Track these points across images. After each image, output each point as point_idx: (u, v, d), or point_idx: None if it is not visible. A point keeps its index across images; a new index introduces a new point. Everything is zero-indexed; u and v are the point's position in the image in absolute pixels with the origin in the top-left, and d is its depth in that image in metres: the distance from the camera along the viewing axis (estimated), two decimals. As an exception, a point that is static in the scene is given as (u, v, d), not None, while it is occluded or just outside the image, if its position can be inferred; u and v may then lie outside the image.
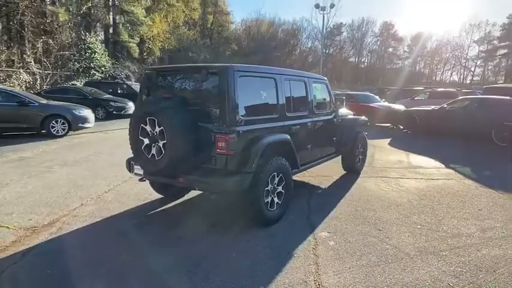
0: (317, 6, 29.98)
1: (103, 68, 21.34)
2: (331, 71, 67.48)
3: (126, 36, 24.89)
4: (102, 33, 25.37)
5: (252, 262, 3.10)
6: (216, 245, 3.40)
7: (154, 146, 3.59)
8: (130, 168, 4.08)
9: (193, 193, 4.76)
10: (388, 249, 3.35)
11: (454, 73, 69.91)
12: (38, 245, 3.38)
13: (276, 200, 3.90)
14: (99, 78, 20.55)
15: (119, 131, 11.17)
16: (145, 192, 4.86)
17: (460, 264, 3.07)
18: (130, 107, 15.17)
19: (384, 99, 16.79)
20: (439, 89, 18.75)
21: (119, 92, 17.34)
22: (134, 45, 25.90)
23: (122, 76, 23.00)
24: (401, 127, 12.77)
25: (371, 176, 6.12)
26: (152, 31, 27.19)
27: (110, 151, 7.93)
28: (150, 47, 28.52)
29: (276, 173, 3.83)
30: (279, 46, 55.82)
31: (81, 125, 10.03)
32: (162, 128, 3.45)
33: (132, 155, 3.92)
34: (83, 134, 10.36)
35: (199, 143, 3.48)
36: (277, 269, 2.98)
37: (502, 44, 61.95)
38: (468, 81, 64.30)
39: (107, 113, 14.46)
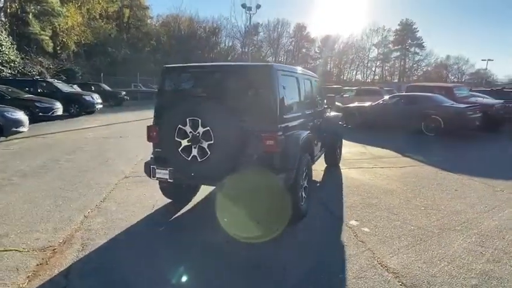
0: (244, 6, 30.50)
1: (12, 64, 18.52)
2: (251, 70, 69.12)
3: (38, 28, 21.92)
4: (7, 24, 21.87)
5: (313, 255, 3.22)
6: (268, 243, 3.42)
7: (195, 148, 3.43)
8: (151, 173, 3.80)
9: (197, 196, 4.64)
10: (414, 229, 3.78)
11: (358, 73, 77.71)
12: (74, 265, 2.98)
13: (303, 194, 4.05)
14: (8, 75, 17.79)
15: (59, 134, 9.98)
16: (147, 198, 4.59)
17: (476, 235, 3.64)
18: (59, 107, 13.57)
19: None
20: (364, 87, 20.84)
21: (39, 91, 15.30)
22: (47, 38, 22.97)
23: (34, 73, 20.28)
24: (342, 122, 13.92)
25: (349, 167, 6.65)
26: (67, 23, 24.47)
27: (66, 157, 7.09)
28: (64, 40, 25.62)
29: (305, 168, 3.98)
30: (200, 44, 55.17)
31: (15, 129, 8.70)
32: (207, 128, 3.33)
33: (152, 158, 3.68)
34: (18, 139, 8.98)
35: (242, 143, 3.44)
36: (339, 258, 3.15)
37: (396, 47, 71.19)
38: (369, 80, 72.36)
39: (31, 114, 12.66)
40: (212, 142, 3.34)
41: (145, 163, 3.94)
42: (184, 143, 3.46)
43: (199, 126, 3.37)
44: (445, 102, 11.23)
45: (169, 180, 3.74)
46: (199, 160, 3.42)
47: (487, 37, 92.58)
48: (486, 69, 60.40)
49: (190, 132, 3.42)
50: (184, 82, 3.87)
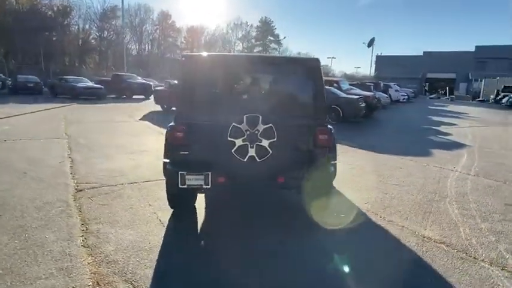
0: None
1: None
2: (111, 57, 63.30)
3: None
4: None
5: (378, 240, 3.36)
6: (325, 240, 3.36)
7: (253, 147, 3.05)
8: (179, 181, 3.20)
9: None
10: (410, 202, 4.34)
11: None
12: None
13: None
14: None
15: None
16: (145, 213, 3.87)
17: (488, 197, 4.43)
18: None
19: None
20: None
21: None
22: None
23: None
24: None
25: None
26: None
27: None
28: None
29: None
30: (46, 24, 46.84)
31: None
32: (269, 125, 3.01)
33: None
34: None
35: (300, 138, 3.26)
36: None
37: (257, 42, 76.45)
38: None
39: None
40: (275, 140, 3.03)
41: (168, 170, 3.28)
42: (239, 142, 3.04)
43: (259, 123, 3.01)
44: (341, 94, 12.87)
45: (204, 186, 3.21)
46: (257, 160, 3.06)
47: (331, 38, 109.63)
48: (327, 65, 71.61)
49: (247, 130, 3.02)
50: (220, 74, 3.35)
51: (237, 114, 3.00)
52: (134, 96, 23.38)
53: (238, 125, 3.01)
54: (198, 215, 3.87)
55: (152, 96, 17.53)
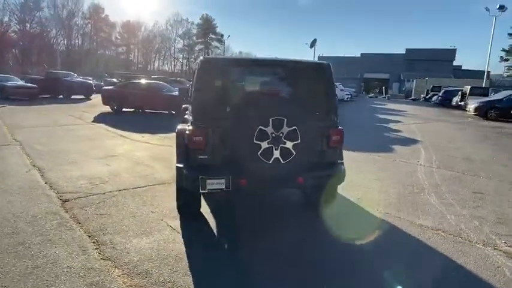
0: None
1: None
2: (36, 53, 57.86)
3: None
4: None
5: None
6: (344, 234, 3.57)
7: (277, 149, 3.13)
8: (200, 186, 3.17)
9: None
10: (393, 194, 4.77)
11: (165, 63, 77.85)
12: None
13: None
14: None
15: None
16: (149, 221, 3.73)
17: (456, 187, 4.96)
18: None
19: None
20: None
21: None
22: None
23: None
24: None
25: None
26: None
27: None
28: None
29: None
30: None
31: None
32: (293, 127, 3.11)
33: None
34: None
35: (318, 140, 3.42)
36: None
37: (199, 40, 75.41)
38: (177, 71, 74.04)
39: None
40: (298, 142, 3.14)
41: (185, 175, 3.22)
42: (264, 145, 3.09)
43: (284, 126, 3.09)
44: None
45: (225, 189, 3.21)
46: (282, 162, 3.15)
47: (274, 37, 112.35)
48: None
49: (272, 133, 3.09)
50: (238, 77, 3.36)
51: (262, 118, 3.05)
52: (73, 96, 21.67)
53: (264, 128, 3.06)
54: (207, 220, 3.82)
55: (94, 97, 16.40)
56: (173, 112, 13.78)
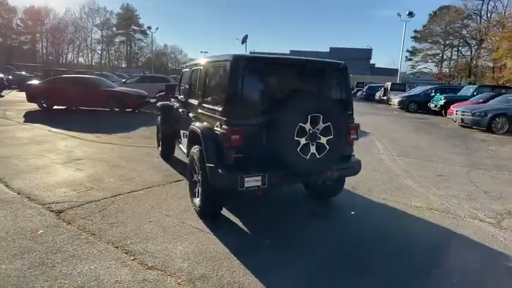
0: None
1: None
2: None
3: None
4: None
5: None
6: (361, 218, 3.87)
7: (313, 145, 3.27)
8: (238, 184, 3.17)
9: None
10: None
11: (81, 55, 71.20)
12: None
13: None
14: None
15: None
16: (177, 229, 3.60)
17: (422, 172, 5.60)
18: None
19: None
20: (149, 74, 20.43)
21: None
22: None
23: None
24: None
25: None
26: None
27: None
28: None
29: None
30: None
31: None
32: (328, 124, 3.28)
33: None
34: None
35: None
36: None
37: (120, 31, 70.43)
38: (94, 64, 68.37)
39: None
40: (331, 137, 3.32)
41: (222, 174, 3.18)
42: (303, 141, 3.21)
43: (320, 122, 3.24)
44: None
45: (262, 186, 3.26)
46: (317, 157, 3.30)
47: (204, 32, 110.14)
48: (194, 59, 72.18)
49: (310, 129, 3.21)
50: (271, 75, 3.37)
51: (303, 115, 3.15)
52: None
53: (303, 125, 3.17)
54: (228, 218, 3.79)
55: (6, 92, 14.41)
56: (117, 109, 12.88)
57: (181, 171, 5.47)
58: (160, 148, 6.36)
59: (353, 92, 36.79)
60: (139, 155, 6.49)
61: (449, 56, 48.10)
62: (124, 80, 18.54)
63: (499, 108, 11.07)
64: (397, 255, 3.13)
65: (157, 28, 49.15)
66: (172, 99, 6.09)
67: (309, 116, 3.17)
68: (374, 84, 29.30)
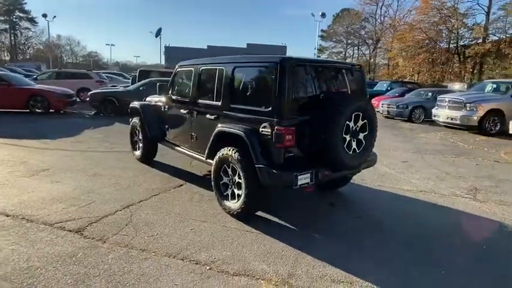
0: None
1: None
2: None
3: None
4: None
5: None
6: (368, 202, 4.28)
7: (354, 141, 3.55)
8: (293, 182, 3.30)
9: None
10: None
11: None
12: None
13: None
14: None
15: None
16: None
17: (388, 160, 6.31)
18: None
19: None
20: (67, 70, 18.04)
21: None
22: None
23: None
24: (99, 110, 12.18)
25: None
26: None
27: None
28: None
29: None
30: None
31: None
32: (365, 121, 3.59)
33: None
34: None
35: None
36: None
37: (2, 18, 60.22)
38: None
39: None
40: (367, 133, 3.63)
41: (277, 174, 3.25)
42: (347, 138, 3.45)
43: (360, 119, 3.52)
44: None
45: (310, 183, 3.43)
46: (357, 152, 3.58)
47: (110, 23, 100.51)
48: (96, 52, 66.59)
49: (352, 126, 3.47)
50: (311, 76, 3.48)
51: (349, 113, 3.38)
52: None
53: (349, 123, 3.41)
54: (260, 216, 3.84)
55: None
56: (39, 111, 11.34)
57: (174, 174, 5.25)
58: (138, 152, 5.91)
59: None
60: (112, 161, 5.94)
61: (351, 54, 53.50)
62: (35, 76, 16.22)
63: (417, 101, 12.99)
64: (426, 227, 3.62)
65: (54, 16, 43.28)
66: (156, 99, 5.73)
67: (353, 114, 3.42)
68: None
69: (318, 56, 57.91)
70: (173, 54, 45.44)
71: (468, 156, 7.35)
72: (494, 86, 11.14)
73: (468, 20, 30.59)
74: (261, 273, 2.74)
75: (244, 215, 3.64)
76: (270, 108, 3.35)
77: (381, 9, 42.84)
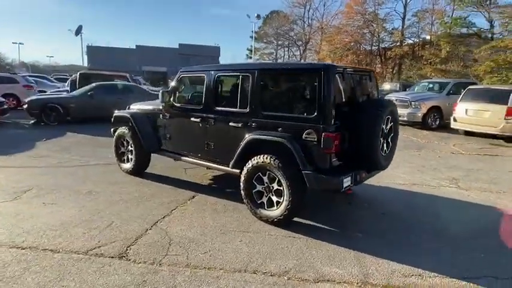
0: None
1: None
2: None
3: None
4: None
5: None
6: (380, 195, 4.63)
7: (385, 142, 3.81)
8: (341, 186, 3.46)
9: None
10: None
11: None
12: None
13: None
14: None
15: None
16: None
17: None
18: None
19: None
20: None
21: None
22: None
23: None
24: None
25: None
26: None
27: None
28: None
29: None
30: None
31: None
32: (392, 124, 3.88)
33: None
34: None
35: None
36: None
37: None
38: None
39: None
40: (393, 134, 3.92)
41: (327, 178, 3.37)
42: (382, 140, 3.69)
43: (389, 122, 3.79)
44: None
45: (350, 185, 3.61)
46: (387, 153, 3.85)
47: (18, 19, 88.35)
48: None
49: (384, 129, 3.72)
50: (346, 82, 3.62)
51: (385, 117, 3.62)
52: None
53: (383, 126, 3.65)
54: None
55: None
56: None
57: (177, 185, 5.03)
58: (128, 165, 5.48)
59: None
60: (97, 176, 5.43)
61: (282, 55, 55.51)
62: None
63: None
64: (444, 217, 4.06)
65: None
66: (146, 107, 5.40)
67: (385, 118, 3.68)
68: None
69: (249, 57, 59.03)
70: (97, 54, 42.12)
71: (427, 149, 8.25)
72: (431, 85, 12.64)
73: (387, 24, 33.97)
74: (338, 277, 2.82)
75: (286, 222, 3.67)
76: (315, 115, 3.42)
77: (309, 12, 45.21)
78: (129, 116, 5.29)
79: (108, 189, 4.79)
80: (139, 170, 5.44)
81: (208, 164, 4.49)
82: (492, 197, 4.90)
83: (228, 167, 4.13)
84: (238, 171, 4.03)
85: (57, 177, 5.33)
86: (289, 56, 53.97)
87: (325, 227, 3.80)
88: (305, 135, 3.46)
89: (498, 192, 5.10)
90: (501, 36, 25.96)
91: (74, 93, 11.48)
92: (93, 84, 11.44)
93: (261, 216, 3.79)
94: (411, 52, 31.75)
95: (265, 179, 3.75)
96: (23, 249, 3.13)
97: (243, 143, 3.85)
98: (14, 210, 3.98)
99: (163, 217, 3.91)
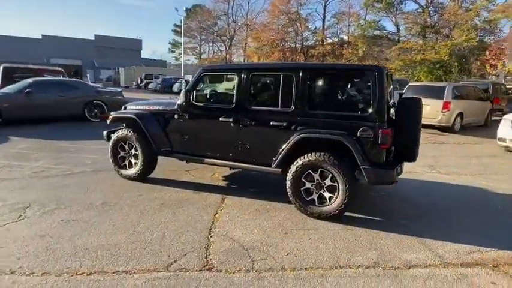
0: None
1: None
2: None
3: None
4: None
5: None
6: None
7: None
8: (394, 178, 3.80)
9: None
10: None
11: None
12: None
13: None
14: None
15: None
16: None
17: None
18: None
19: None
20: None
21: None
22: None
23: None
24: None
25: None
26: None
27: None
28: None
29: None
30: None
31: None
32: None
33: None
34: None
35: None
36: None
37: None
38: None
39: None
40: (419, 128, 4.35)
41: (385, 172, 3.64)
42: (417, 133, 4.09)
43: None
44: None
45: (397, 177, 3.94)
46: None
47: None
48: None
49: (416, 123, 4.13)
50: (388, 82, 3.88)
51: (422, 113, 4.00)
52: None
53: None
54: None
55: None
56: None
57: (193, 188, 4.80)
58: (132, 170, 5.00)
59: (141, 84, 35.52)
60: (93, 184, 4.86)
61: (206, 50, 54.85)
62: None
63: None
64: (465, 200, 4.67)
65: None
66: (152, 107, 5.00)
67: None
68: (168, 77, 29.82)
69: (172, 51, 56.93)
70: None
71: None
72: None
73: (309, 24, 36.17)
74: (421, 262, 3.08)
75: (339, 215, 3.82)
76: (370, 113, 3.64)
77: (233, 8, 45.49)
78: (134, 116, 4.83)
79: (122, 199, 4.34)
80: (146, 175, 5.02)
81: (241, 165, 4.38)
82: (482, 179, 5.72)
83: (268, 166, 4.11)
84: (280, 170, 4.04)
85: (48, 189, 4.61)
86: (214, 51, 53.64)
87: (371, 217, 4.04)
88: (360, 132, 3.64)
89: (480, 175, 6.01)
90: (406, 39, 29.87)
91: (6, 90, 9.82)
92: (29, 80, 9.94)
93: (312, 213, 3.87)
94: (332, 51, 34.39)
95: (316, 176, 3.84)
96: (88, 275, 2.72)
97: (290, 142, 3.87)
98: (34, 232, 3.38)
99: (213, 222, 3.73)
